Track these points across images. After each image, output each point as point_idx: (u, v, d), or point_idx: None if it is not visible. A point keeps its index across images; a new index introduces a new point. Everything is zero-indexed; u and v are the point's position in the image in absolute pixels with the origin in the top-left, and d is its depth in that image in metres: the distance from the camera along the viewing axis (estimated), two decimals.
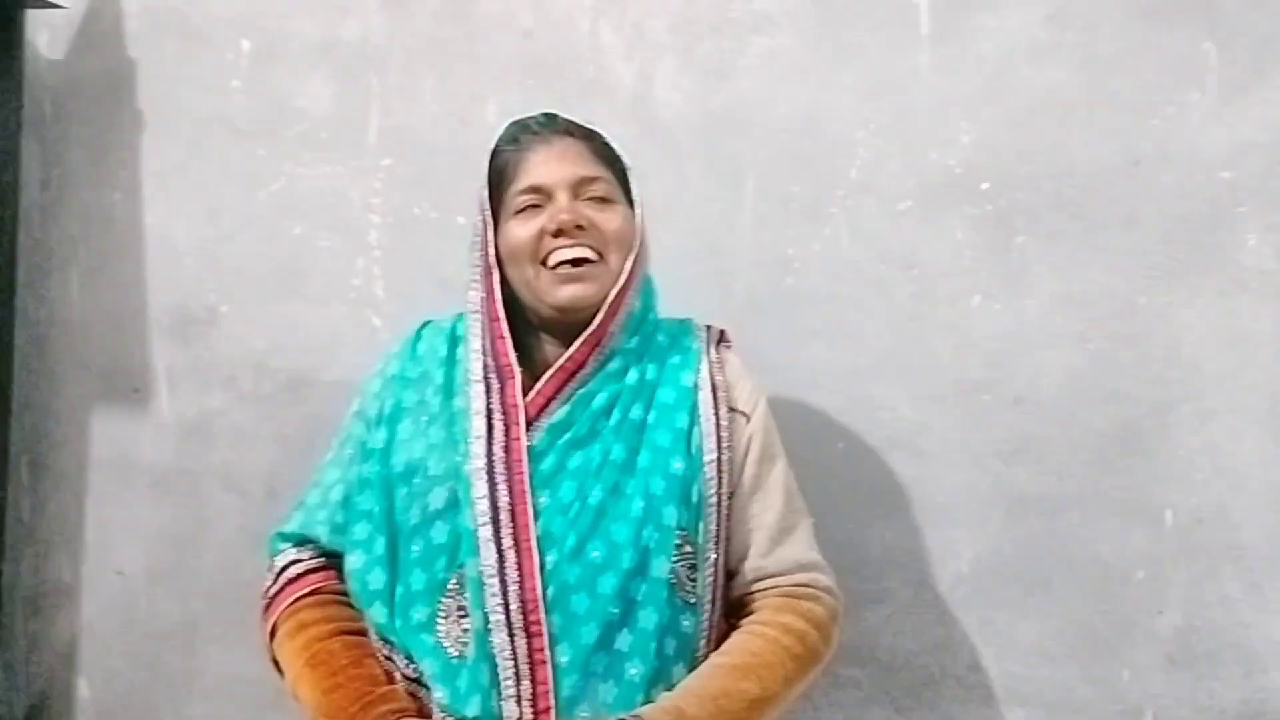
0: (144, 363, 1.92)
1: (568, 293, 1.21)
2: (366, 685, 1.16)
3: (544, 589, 1.12)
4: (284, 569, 1.28)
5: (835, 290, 1.57)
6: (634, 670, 1.11)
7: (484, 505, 1.15)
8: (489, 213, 1.26)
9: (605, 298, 1.22)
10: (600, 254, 1.22)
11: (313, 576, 1.26)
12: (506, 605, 1.11)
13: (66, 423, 1.97)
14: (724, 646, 1.18)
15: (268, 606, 1.27)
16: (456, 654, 1.14)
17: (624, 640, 1.12)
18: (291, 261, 1.84)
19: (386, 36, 1.78)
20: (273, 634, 1.25)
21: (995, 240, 1.51)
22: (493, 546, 1.13)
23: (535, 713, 1.10)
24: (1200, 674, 1.43)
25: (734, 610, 1.24)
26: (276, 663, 1.25)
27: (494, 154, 1.29)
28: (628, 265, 1.23)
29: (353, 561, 1.21)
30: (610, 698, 1.11)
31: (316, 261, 1.82)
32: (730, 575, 1.23)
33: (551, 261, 1.21)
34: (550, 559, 1.14)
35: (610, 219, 1.23)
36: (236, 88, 1.86)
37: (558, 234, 1.20)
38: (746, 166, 1.61)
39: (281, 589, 1.26)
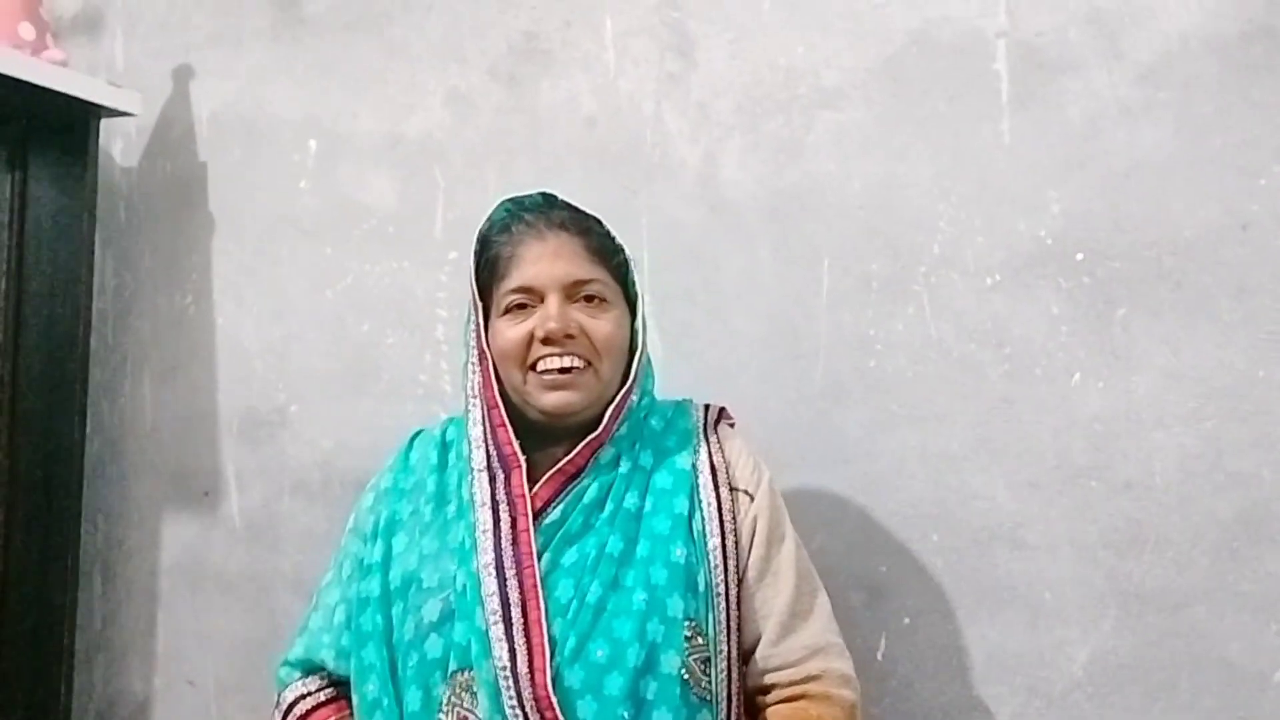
0: (214, 466, 1.90)
1: (553, 399, 1.17)
2: None
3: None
4: (292, 705, 1.24)
5: (921, 372, 1.48)
6: None
7: (495, 603, 1.09)
8: (479, 300, 1.22)
9: (595, 400, 1.19)
10: (589, 362, 1.18)
11: (322, 712, 1.23)
12: (523, 708, 1.05)
13: (138, 528, 1.95)
14: None
15: None
16: None
17: None
18: (359, 359, 1.81)
19: (449, 131, 1.77)
20: None
21: (1094, 314, 1.41)
22: (505, 645, 1.07)
23: None
24: None
25: (750, 703, 1.18)
26: None
27: (484, 240, 1.25)
28: (634, 367, 1.20)
29: (363, 690, 1.16)
30: None
31: (384, 358, 1.80)
32: (744, 666, 1.17)
33: (539, 368, 1.17)
34: (552, 664, 1.07)
35: (601, 325, 1.19)
36: (303, 188, 1.86)
37: (546, 341, 1.16)
38: (821, 246, 1.54)
39: None
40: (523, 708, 1.05)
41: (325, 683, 1.25)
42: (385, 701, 1.14)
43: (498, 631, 1.08)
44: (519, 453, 1.17)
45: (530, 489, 1.16)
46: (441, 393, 1.75)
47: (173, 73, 1.95)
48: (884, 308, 1.50)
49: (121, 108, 1.79)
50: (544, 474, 1.18)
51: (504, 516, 1.14)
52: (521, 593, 1.10)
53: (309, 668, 1.27)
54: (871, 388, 1.50)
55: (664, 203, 1.62)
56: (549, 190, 1.28)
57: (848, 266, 1.52)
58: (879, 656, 1.48)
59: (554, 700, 1.05)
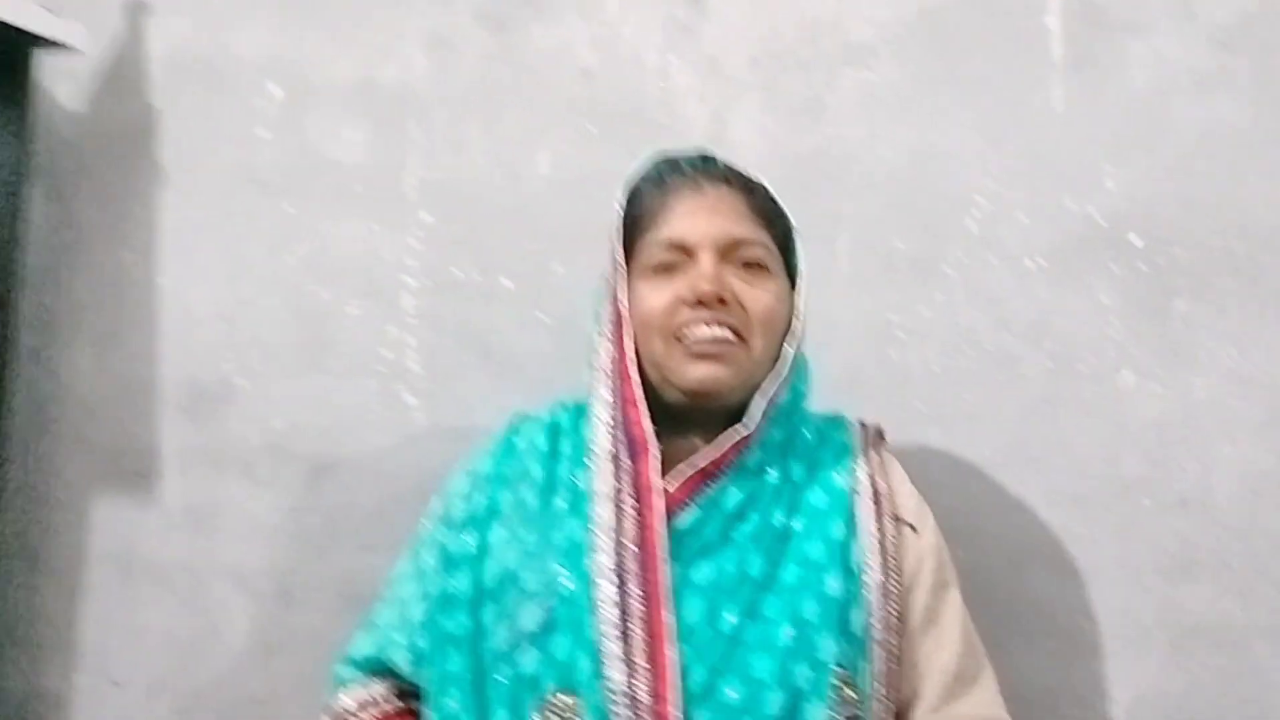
0: (151, 443, 1.73)
1: (700, 373, 1.02)
2: None
3: None
4: (354, 714, 1.10)
5: (951, 365, 1.37)
6: None
7: (613, 614, 0.95)
8: (622, 260, 1.08)
9: (743, 384, 1.04)
10: (742, 336, 1.03)
11: None
12: None
13: (65, 509, 1.78)
14: None
15: None
16: None
17: None
18: (317, 331, 1.66)
19: (429, 80, 1.63)
20: None
21: (1150, 306, 1.31)
22: (622, 665, 0.93)
23: None
24: None
25: None
26: None
27: (631, 191, 1.13)
28: (787, 352, 1.06)
29: (441, 703, 1.02)
30: None
31: (343, 330, 1.64)
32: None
33: (686, 336, 1.03)
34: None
35: (760, 296, 1.05)
36: (265, 138, 1.70)
37: (696, 305, 1.02)
38: (841, 220, 1.42)
39: None
40: None
41: (394, 690, 1.10)
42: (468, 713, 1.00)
43: (614, 649, 0.94)
44: (650, 436, 1.02)
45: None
46: (405, 371, 1.60)
47: (123, 6, 1.78)
48: (910, 291, 1.39)
49: (61, 39, 1.61)
50: (676, 468, 1.04)
51: (628, 512, 1.00)
52: (646, 604, 0.96)
53: (376, 669, 1.12)
54: (893, 381, 1.38)
55: None
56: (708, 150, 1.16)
57: (871, 244, 1.41)
58: None
59: None
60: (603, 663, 0.94)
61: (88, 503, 1.77)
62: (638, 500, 1.01)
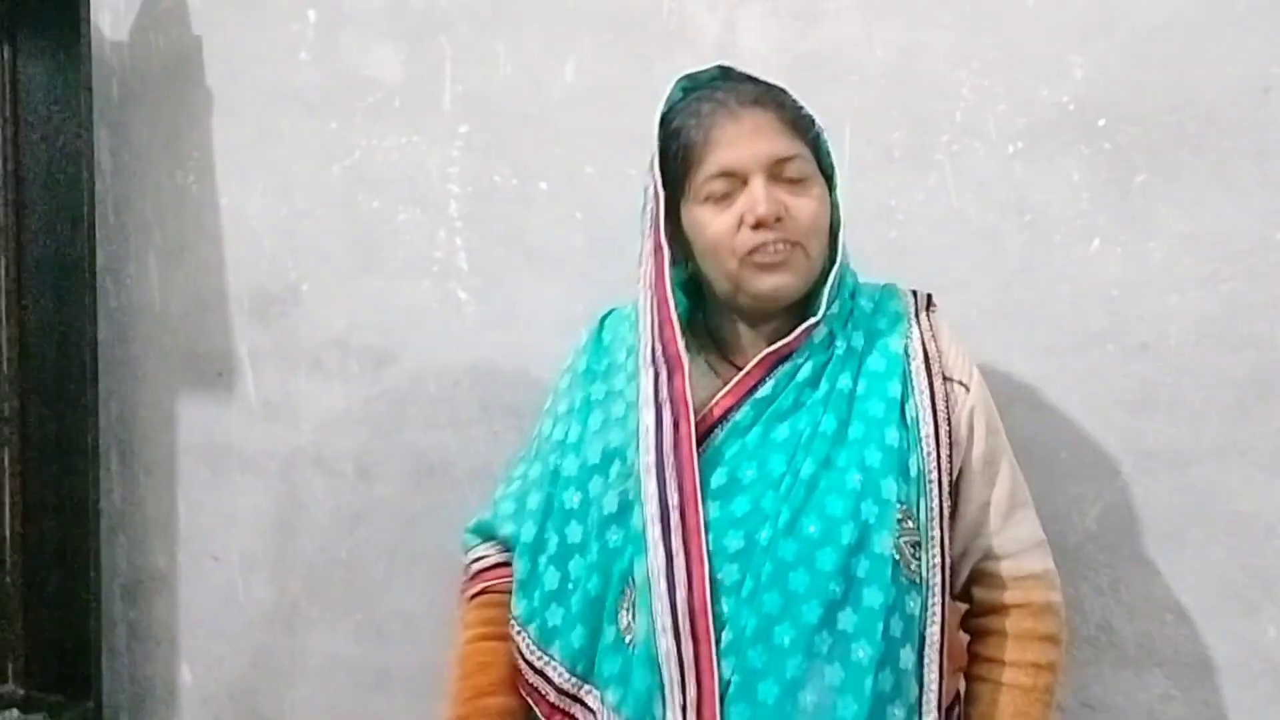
0: (226, 346, 1.90)
1: (770, 282, 1.14)
2: (473, 692, 1.21)
3: (758, 567, 1.07)
4: (471, 564, 1.30)
5: (942, 241, 1.50)
6: (861, 652, 1.05)
7: (654, 507, 1.09)
8: (661, 188, 1.16)
9: (804, 284, 1.15)
10: (797, 243, 1.13)
11: (488, 575, 1.28)
12: (674, 609, 1.06)
13: (152, 409, 1.96)
14: (985, 709, 1.15)
15: (464, 589, 1.31)
16: (627, 654, 1.11)
17: (848, 620, 1.06)
18: (370, 236, 1.80)
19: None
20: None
21: (1114, 180, 1.42)
22: (661, 549, 1.08)
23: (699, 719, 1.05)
24: None
25: (964, 588, 1.21)
26: None
27: (669, 123, 1.18)
28: (840, 247, 1.17)
29: (567, 568, 1.18)
30: (837, 680, 1.05)
31: (396, 235, 1.78)
32: (957, 555, 1.18)
33: (753, 254, 1.13)
34: (764, 535, 1.08)
35: (807, 205, 1.14)
36: (304, 60, 1.81)
37: (757, 226, 1.12)
38: (841, 115, 1.51)
39: (467, 583, 1.30)
40: (674, 613, 1.06)
41: (503, 547, 1.28)
42: (550, 582, 1.18)
43: (654, 534, 1.08)
44: (683, 353, 1.14)
45: (736, 371, 1.16)
46: (458, 270, 1.75)
47: None
48: (906, 177, 1.51)
49: None
50: (748, 355, 1.17)
51: (666, 418, 1.12)
52: (681, 497, 1.09)
53: (487, 535, 1.30)
54: (893, 259, 1.50)
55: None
56: (726, 65, 1.23)
57: (870, 136, 1.52)
58: None
59: (709, 609, 1.06)
60: (646, 547, 1.08)
61: (174, 403, 1.94)
62: (674, 409, 1.11)
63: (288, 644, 1.91)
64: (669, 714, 1.06)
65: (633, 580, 1.11)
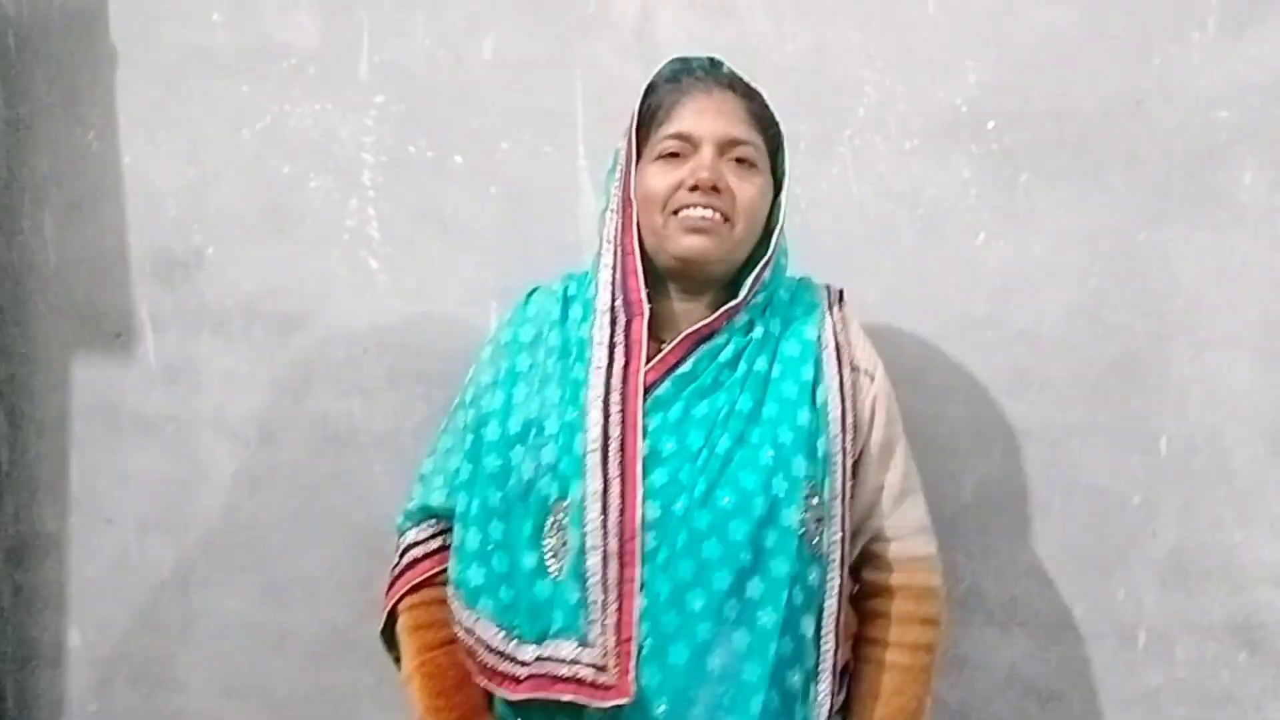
0: (126, 307, 1.86)
1: (690, 243, 1.21)
2: (465, 711, 1.23)
3: (673, 536, 1.13)
4: (404, 551, 1.31)
5: (842, 229, 1.59)
6: (766, 618, 1.13)
7: (596, 432, 1.15)
8: (634, 146, 1.25)
9: (723, 257, 1.23)
10: (727, 218, 1.22)
11: (428, 563, 1.29)
12: (605, 530, 1.12)
13: (46, 369, 1.91)
14: (869, 687, 1.24)
15: (389, 586, 1.32)
16: (554, 577, 1.16)
17: (755, 587, 1.13)
18: (280, 202, 1.79)
19: None
20: (393, 614, 1.31)
21: (1000, 179, 1.54)
22: (599, 473, 1.14)
23: (618, 641, 1.11)
24: (1191, 592, 1.50)
25: (854, 569, 1.29)
26: (384, 636, 1.34)
27: (650, 88, 1.28)
28: (774, 244, 1.25)
29: (486, 530, 1.22)
30: (743, 645, 1.12)
31: (307, 202, 1.78)
32: (851, 533, 1.26)
33: (682, 213, 1.21)
34: (679, 505, 1.14)
35: (746, 188, 1.22)
36: (217, 21, 1.79)
37: (693, 189, 1.20)
38: None
39: (401, 573, 1.31)
40: (605, 533, 1.12)
41: (436, 529, 1.31)
42: (502, 541, 1.21)
43: (593, 460, 1.14)
44: (644, 301, 1.21)
45: (660, 346, 1.22)
46: (369, 239, 1.75)
47: None
48: (810, 167, 1.58)
49: None
50: (673, 332, 1.23)
51: (618, 357, 1.19)
52: (623, 428, 1.16)
53: (424, 515, 1.32)
54: (796, 246, 1.53)
55: (600, 56, 1.65)
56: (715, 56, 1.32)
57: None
58: None
59: (638, 533, 1.12)
60: (584, 470, 1.14)
61: (69, 362, 1.89)
62: (626, 351, 1.19)
63: (182, 607, 1.89)
64: (590, 636, 1.12)
65: (563, 507, 1.16)
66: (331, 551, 1.82)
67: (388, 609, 1.32)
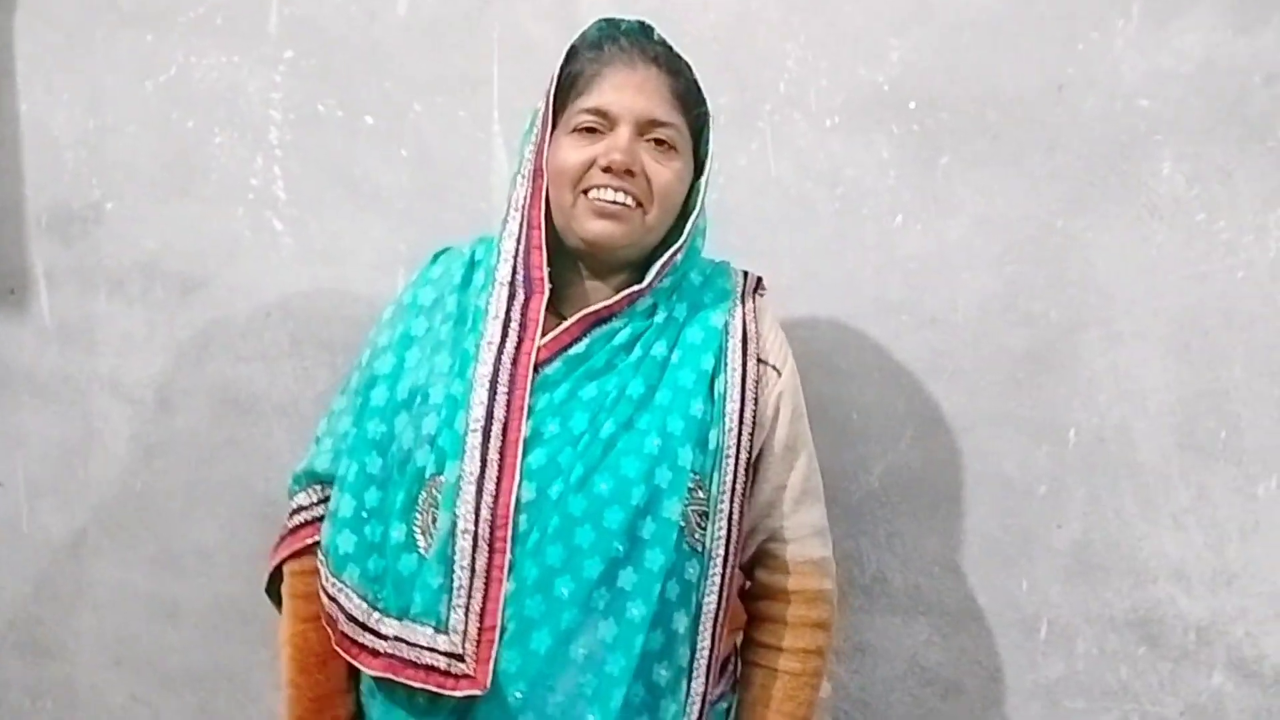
0: (20, 262, 1.80)
1: (598, 228, 1.16)
2: (326, 690, 1.21)
3: (545, 519, 1.10)
4: (293, 514, 1.27)
5: (760, 206, 1.56)
6: (635, 611, 1.09)
7: (480, 412, 1.11)
8: (550, 113, 1.18)
9: (633, 243, 1.18)
10: (640, 203, 1.16)
11: (311, 529, 1.24)
12: (477, 514, 1.08)
13: None
14: (760, 694, 1.23)
15: (276, 546, 1.28)
16: (421, 554, 1.12)
17: (628, 578, 1.10)
18: (184, 158, 1.74)
19: None
20: (278, 573, 1.28)
21: (920, 160, 1.51)
22: (478, 455, 1.10)
23: (480, 629, 1.08)
24: (1094, 584, 1.49)
25: (748, 568, 1.27)
26: (271, 594, 1.31)
27: (572, 51, 1.20)
28: (687, 226, 1.19)
29: (363, 496, 1.18)
30: (609, 636, 1.09)
31: (211, 158, 1.73)
32: (746, 531, 1.23)
33: (592, 194, 1.15)
34: (555, 489, 1.11)
35: (663, 172, 1.17)
36: None
37: (606, 170, 1.14)
38: None
39: (286, 537, 1.27)
40: (477, 518, 1.08)
41: (323, 496, 1.25)
42: (377, 509, 1.16)
43: (474, 440, 1.10)
44: (546, 279, 1.15)
45: (561, 322, 1.17)
46: (275, 199, 1.71)
47: None
48: (729, 141, 1.54)
49: None
50: (576, 310, 1.18)
51: (512, 334, 1.14)
52: (508, 412, 1.12)
53: (310, 479, 1.27)
54: (712, 220, 1.52)
55: (517, 18, 1.60)
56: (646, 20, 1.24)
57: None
58: None
59: (510, 523, 1.08)
60: (463, 450, 1.10)
61: None
62: (521, 329, 1.14)
63: (74, 574, 1.84)
64: (450, 622, 1.08)
65: (438, 483, 1.12)
66: (229, 521, 1.77)
67: (270, 570, 1.29)
